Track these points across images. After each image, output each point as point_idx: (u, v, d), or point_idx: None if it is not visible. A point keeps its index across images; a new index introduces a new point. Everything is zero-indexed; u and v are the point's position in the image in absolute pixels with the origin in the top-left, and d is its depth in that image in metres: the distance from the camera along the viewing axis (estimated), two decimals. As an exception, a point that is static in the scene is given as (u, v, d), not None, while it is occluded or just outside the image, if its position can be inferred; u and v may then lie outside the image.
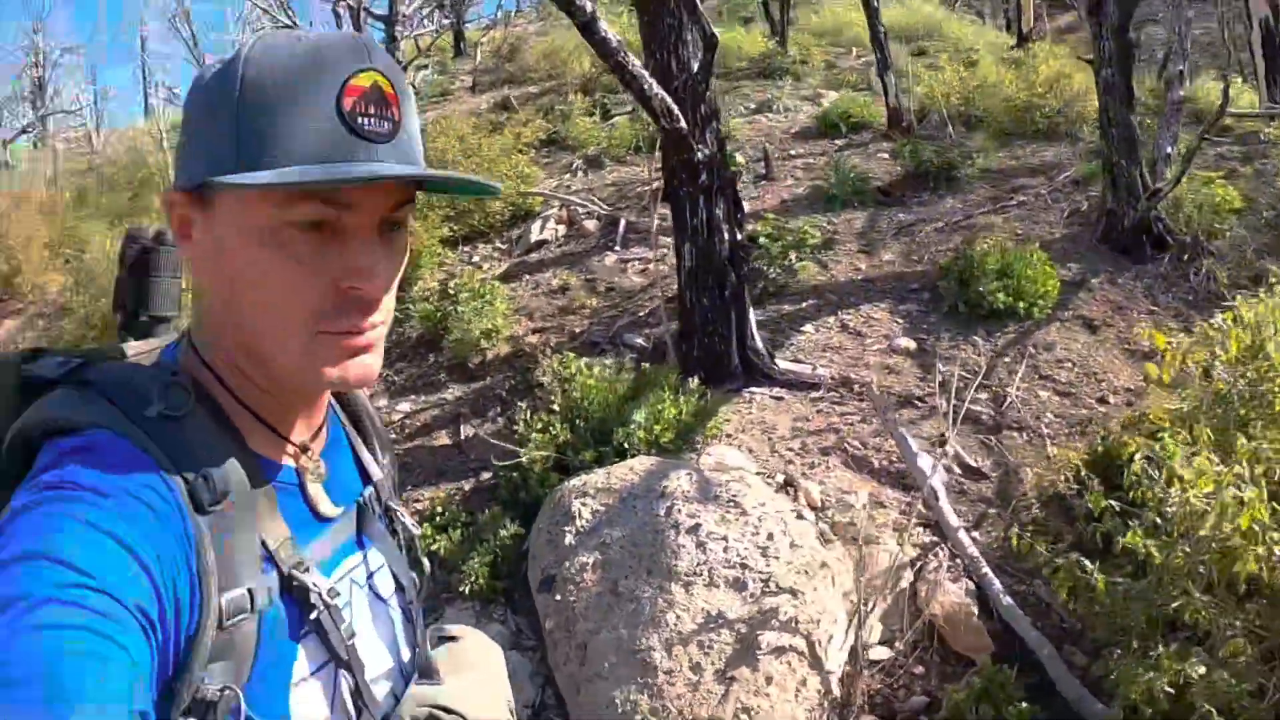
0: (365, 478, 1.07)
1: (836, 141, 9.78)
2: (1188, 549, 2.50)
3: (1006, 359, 5.38)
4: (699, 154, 5.14)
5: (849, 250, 7.20)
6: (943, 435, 4.63)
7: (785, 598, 3.35)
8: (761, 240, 6.79)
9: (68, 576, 0.69)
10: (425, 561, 1.14)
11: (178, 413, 0.84)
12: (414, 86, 11.09)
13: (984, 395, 5.03)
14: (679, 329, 5.94)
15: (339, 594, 0.94)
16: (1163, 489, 2.60)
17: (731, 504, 3.91)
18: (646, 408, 5.07)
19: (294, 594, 0.89)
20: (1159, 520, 2.65)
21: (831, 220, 7.81)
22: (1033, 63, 10.26)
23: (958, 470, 4.41)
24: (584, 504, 4.20)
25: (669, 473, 4.29)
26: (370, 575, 1.03)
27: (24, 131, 14.16)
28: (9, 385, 0.88)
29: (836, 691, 3.25)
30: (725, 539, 3.68)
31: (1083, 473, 3.53)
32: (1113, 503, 2.87)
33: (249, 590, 0.83)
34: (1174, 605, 2.49)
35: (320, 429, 1.00)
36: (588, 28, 3.99)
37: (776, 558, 3.54)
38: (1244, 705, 2.39)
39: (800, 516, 3.94)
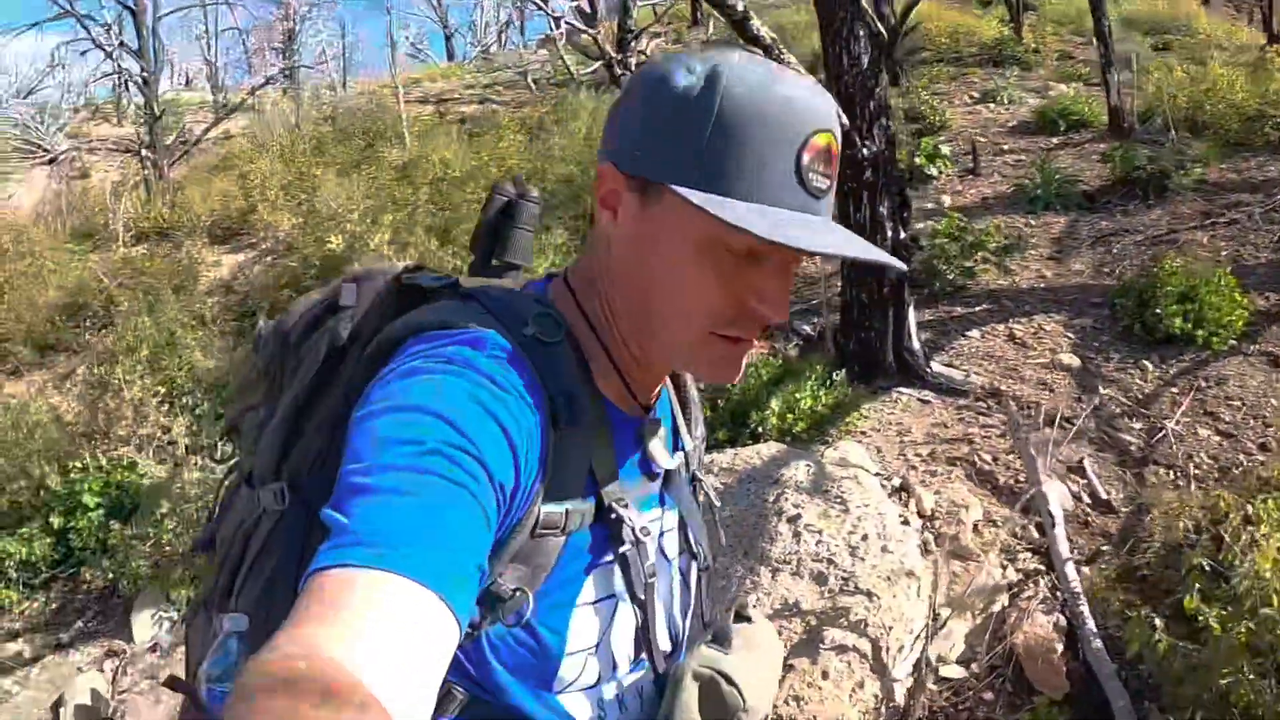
0: (678, 443, 1.13)
1: (1053, 139, 9.35)
2: (1252, 625, 2.43)
3: (1174, 389, 5.11)
4: (863, 150, 5.16)
5: (1039, 255, 6.96)
6: (1081, 461, 4.51)
7: (860, 599, 3.45)
8: (939, 240, 6.67)
9: (456, 439, 0.78)
10: (722, 535, 1.21)
11: (548, 339, 0.92)
12: (645, 55, 11.37)
13: (1139, 425, 4.83)
14: (840, 321, 5.99)
15: (649, 534, 1.01)
16: (1239, 555, 2.53)
17: (837, 500, 4.01)
18: (784, 395, 5.20)
19: (606, 525, 0.96)
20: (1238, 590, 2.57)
21: (1029, 222, 7.55)
22: (1270, 67, 9.35)
23: (1087, 500, 4.29)
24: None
25: (790, 462, 4.42)
26: (663, 533, 1.08)
27: (268, 82, 15.54)
28: (391, 290, 1.00)
29: (899, 699, 3.33)
30: (820, 532, 3.80)
31: (1202, 523, 3.40)
32: (1204, 561, 2.79)
33: (566, 510, 0.91)
34: (1224, 683, 2.42)
35: (658, 393, 1.08)
36: (741, 25, 4.11)
37: (863, 559, 3.63)
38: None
39: (905, 522, 3.99)
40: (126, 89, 14.63)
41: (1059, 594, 3.69)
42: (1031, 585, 3.73)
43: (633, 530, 0.97)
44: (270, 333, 1.10)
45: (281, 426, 1.00)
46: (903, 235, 5.56)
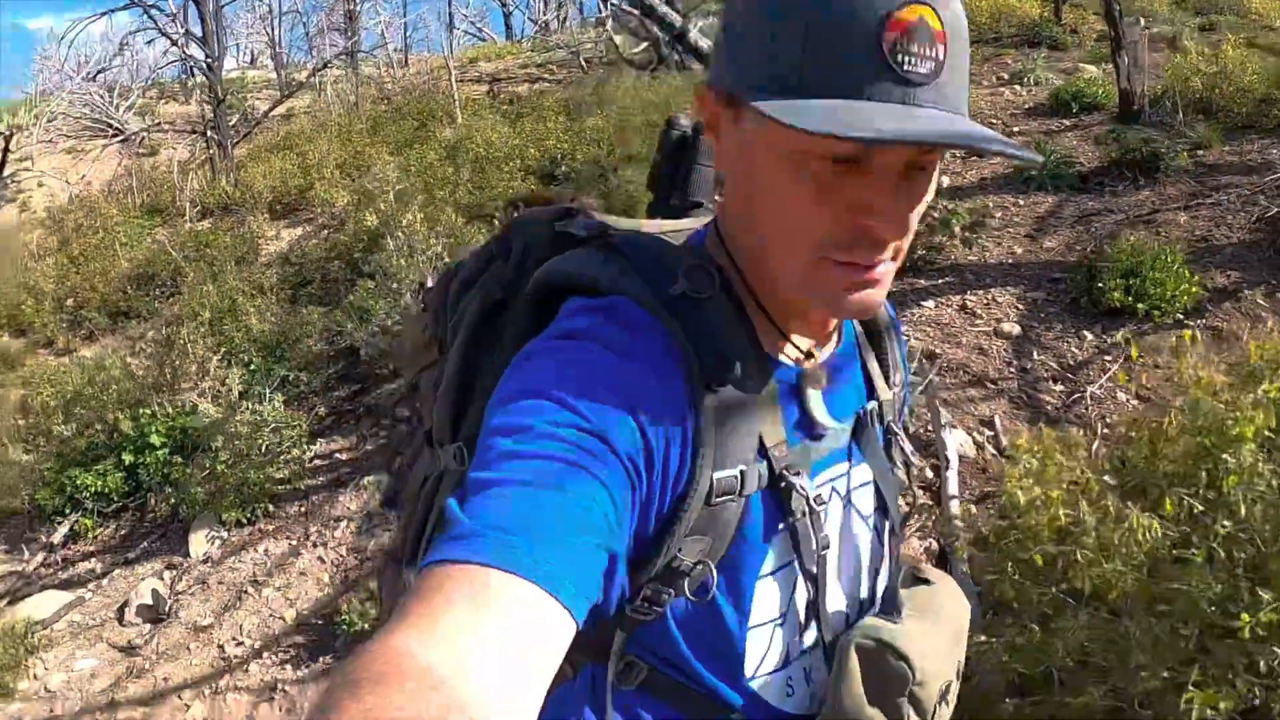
0: (871, 393, 1.08)
1: (1065, 121, 9.96)
2: (1018, 536, 3.24)
3: (1108, 358, 5.85)
4: None
5: (1015, 234, 7.66)
6: (994, 416, 5.30)
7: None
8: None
9: (569, 417, 0.78)
10: (916, 492, 1.25)
11: (700, 294, 0.90)
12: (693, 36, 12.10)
13: (1061, 388, 5.59)
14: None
15: (824, 502, 0.98)
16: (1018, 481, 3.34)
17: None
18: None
19: (779, 492, 0.94)
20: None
21: (1018, 201, 8.23)
22: None
23: (991, 450, 5.09)
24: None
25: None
26: (850, 489, 1.05)
27: (325, 65, 16.69)
28: (544, 236, 1.01)
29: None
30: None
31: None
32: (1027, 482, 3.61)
33: (741, 473, 0.90)
34: (990, 579, 3.23)
35: (831, 336, 1.04)
36: (681, 38, 4.90)
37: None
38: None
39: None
40: (191, 74, 15.95)
41: (937, 525, 4.52)
42: (917, 516, 4.56)
43: (805, 499, 0.95)
44: (434, 290, 1.13)
45: (451, 387, 1.03)
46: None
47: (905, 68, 0.77)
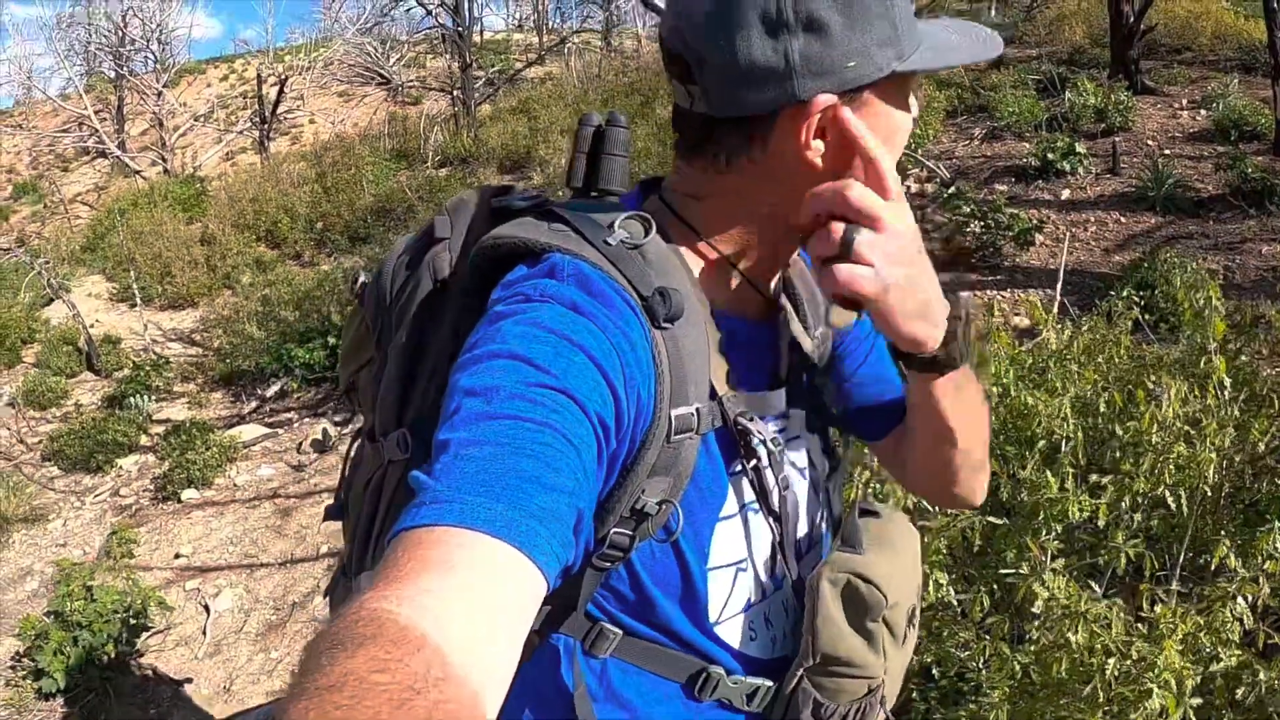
0: (795, 347, 1.16)
1: (1219, 148, 10.69)
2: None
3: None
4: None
5: (1095, 247, 8.81)
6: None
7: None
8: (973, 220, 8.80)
9: (536, 376, 0.85)
10: (844, 442, 1.30)
11: (636, 242, 0.99)
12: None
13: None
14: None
15: (780, 444, 1.10)
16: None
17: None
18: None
19: (731, 434, 1.04)
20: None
21: (1120, 218, 9.30)
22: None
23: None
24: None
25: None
26: (792, 439, 1.17)
27: (567, 38, 19.12)
28: (482, 216, 1.12)
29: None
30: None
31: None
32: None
33: (696, 410, 0.98)
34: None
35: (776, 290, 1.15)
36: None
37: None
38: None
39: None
40: (443, 41, 18.92)
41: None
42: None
43: (763, 440, 1.04)
44: (372, 281, 1.21)
45: (397, 372, 1.11)
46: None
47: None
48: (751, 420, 1.03)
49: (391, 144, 16.77)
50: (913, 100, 1.06)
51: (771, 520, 1.08)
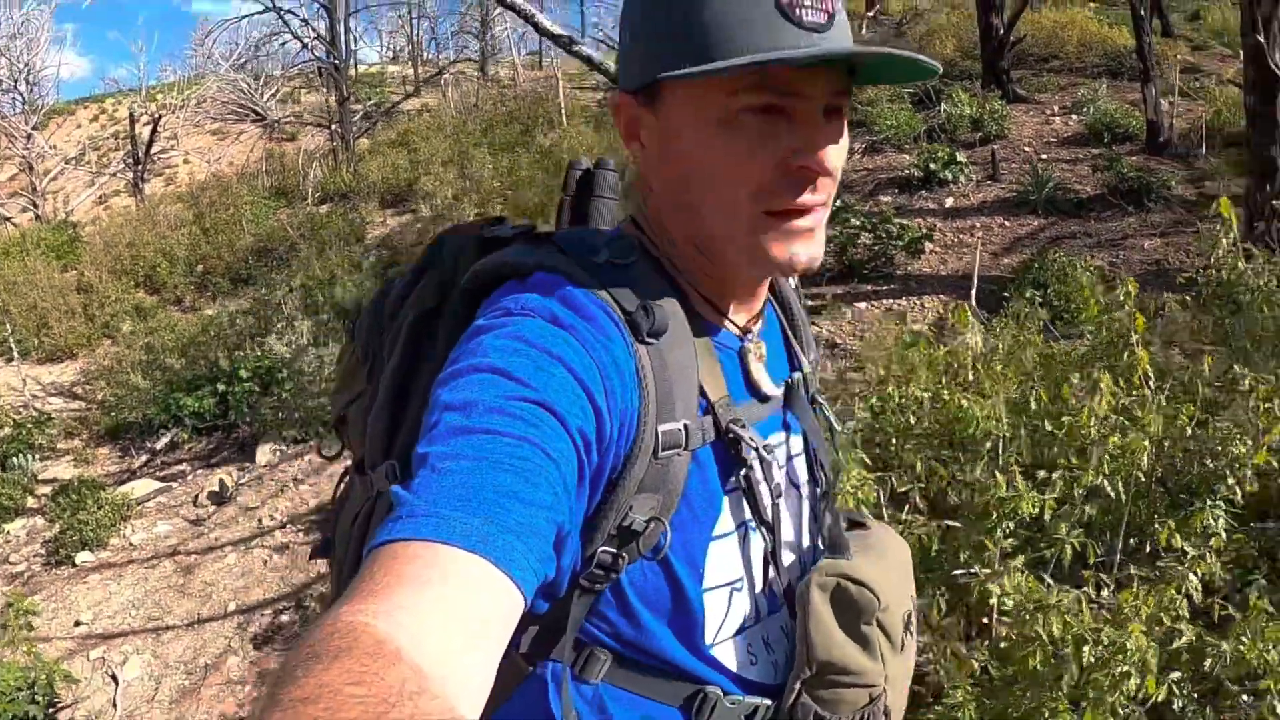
0: (793, 365, 1.21)
1: (1093, 150, 11.22)
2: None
3: (1002, 353, 7.37)
4: None
5: (984, 251, 9.13)
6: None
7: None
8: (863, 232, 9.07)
9: (515, 389, 0.85)
10: (841, 458, 1.28)
11: (623, 261, 1.02)
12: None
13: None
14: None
15: (772, 451, 1.09)
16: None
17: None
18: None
19: (726, 446, 1.04)
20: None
21: (1004, 223, 9.67)
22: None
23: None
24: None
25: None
26: (790, 458, 1.18)
27: (442, 70, 19.13)
28: (473, 242, 1.12)
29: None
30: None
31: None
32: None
33: (684, 426, 0.99)
34: None
35: (759, 316, 1.16)
36: (615, 80, 6.51)
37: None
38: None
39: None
40: (320, 75, 18.72)
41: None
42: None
43: (755, 449, 1.05)
44: (366, 312, 1.22)
45: (387, 401, 1.11)
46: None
47: (806, 20, 0.93)
48: (744, 428, 1.03)
49: (270, 182, 16.46)
50: (736, 128, 0.98)
51: (764, 530, 1.08)
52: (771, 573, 1.11)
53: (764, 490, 1.07)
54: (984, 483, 2.43)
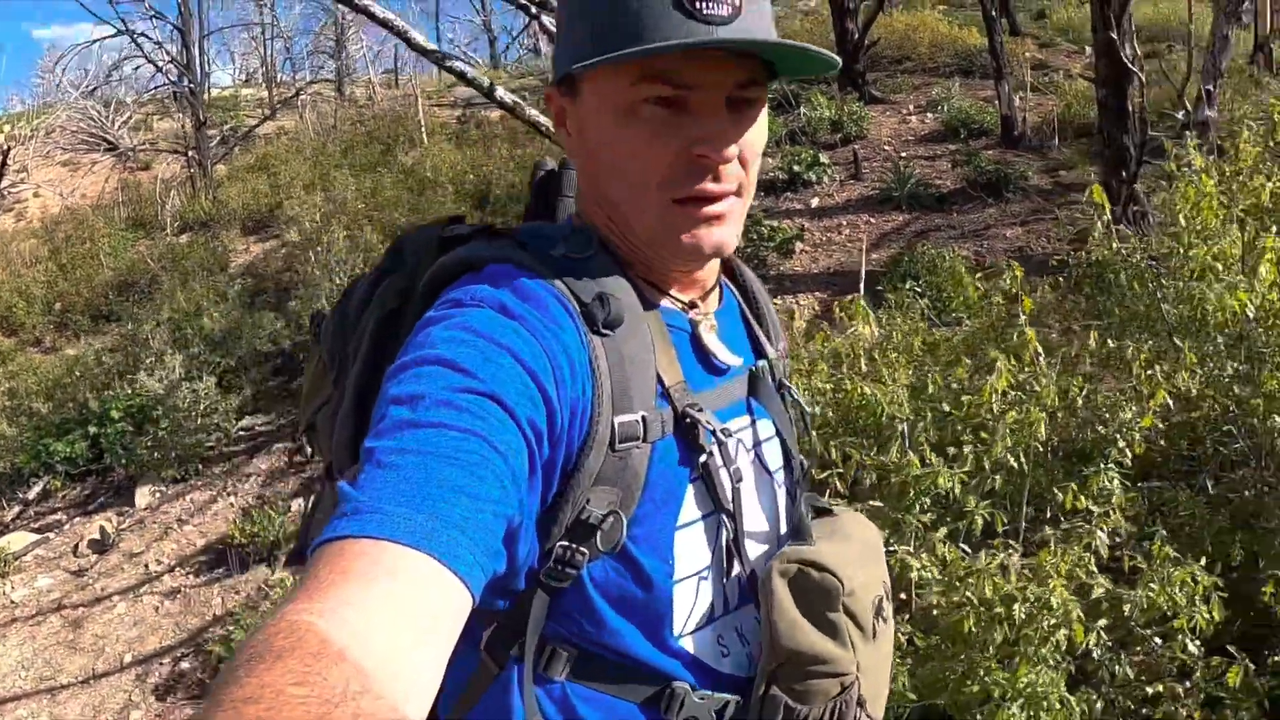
0: (757, 352, 1.21)
1: (950, 146, 11.70)
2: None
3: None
4: None
5: (853, 248, 9.45)
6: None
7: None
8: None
9: (462, 381, 0.85)
10: (816, 443, 1.30)
11: (581, 253, 1.03)
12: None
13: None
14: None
15: (731, 434, 1.08)
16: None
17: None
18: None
19: (685, 434, 1.04)
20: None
21: (870, 219, 10.01)
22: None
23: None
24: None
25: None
26: (758, 443, 1.17)
27: (301, 91, 18.83)
28: (434, 242, 1.11)
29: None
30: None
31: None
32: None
33: (643, 417, 0.98)
34: None
35: (708, 295, 1.16)
36: (489, 95, 6.61)
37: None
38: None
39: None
40: (175, 99, 18.21)
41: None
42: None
43: (712, 433, 1.04)
44: (330, 316, 1.20)
45: (352, 408, 1.09)
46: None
47: (704, 12, 0.94)
48: (701, 412, 1.03)
49: (127, 213, 15.84)
50: (637, 119, 1.00)
51: (724, 516, 1.06)
52: (736, 562, 1.09)
53: (724, 476, 1.05)
54: (899, 463, 2.55)
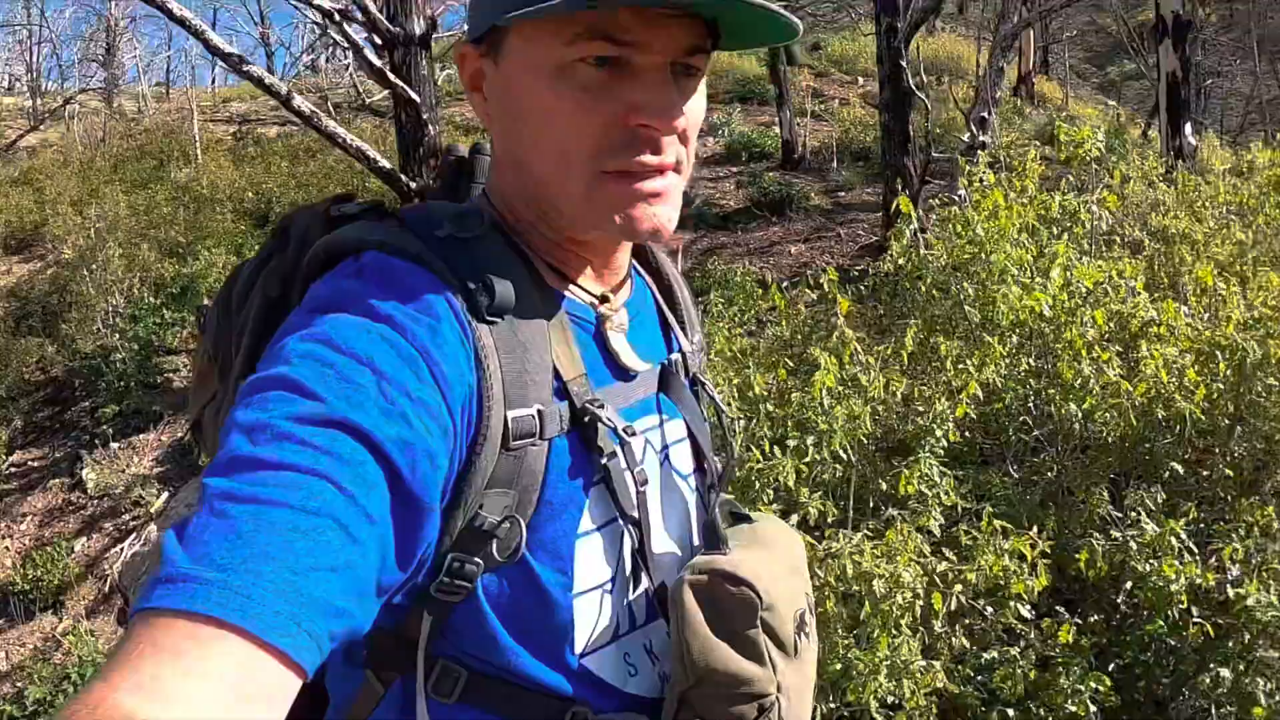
0: (670, 345, 1.11)
1: (733, 168, 12.18)
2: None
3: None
4: (411, 185, 7.02)
5: (677, 256, 9.65)
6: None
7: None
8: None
9: (310, 408, 0.76)
10: (734, 444, 1.18)
11: (467, 234, 0.93)
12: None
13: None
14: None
15: (635, 434, 0.99)
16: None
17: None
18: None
19: (585, 432, 0.95)
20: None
21: (661, 239, 10.25)
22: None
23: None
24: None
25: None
26: (667, 445, 1.08)
27: (70, 99, 17.68)
28: (320, 220, 1.02)
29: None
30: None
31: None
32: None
33: (538, 412, 0.90)
34: None
35: (621, 285, 1.07)
36: (287, 103, 6.43)
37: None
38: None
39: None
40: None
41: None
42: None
43: (613, 430, 0.95)
44: (212, 308, 1.11)
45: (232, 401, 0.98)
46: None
47: None
48: (602, 408, 0.94)
49: None
50: (571, 80, 0.90)
51: (628, 525, 0.98)
52: (644, 574, 1.01)
53: (628, 479, 0.97)
54: (741, 457, 2.64)
